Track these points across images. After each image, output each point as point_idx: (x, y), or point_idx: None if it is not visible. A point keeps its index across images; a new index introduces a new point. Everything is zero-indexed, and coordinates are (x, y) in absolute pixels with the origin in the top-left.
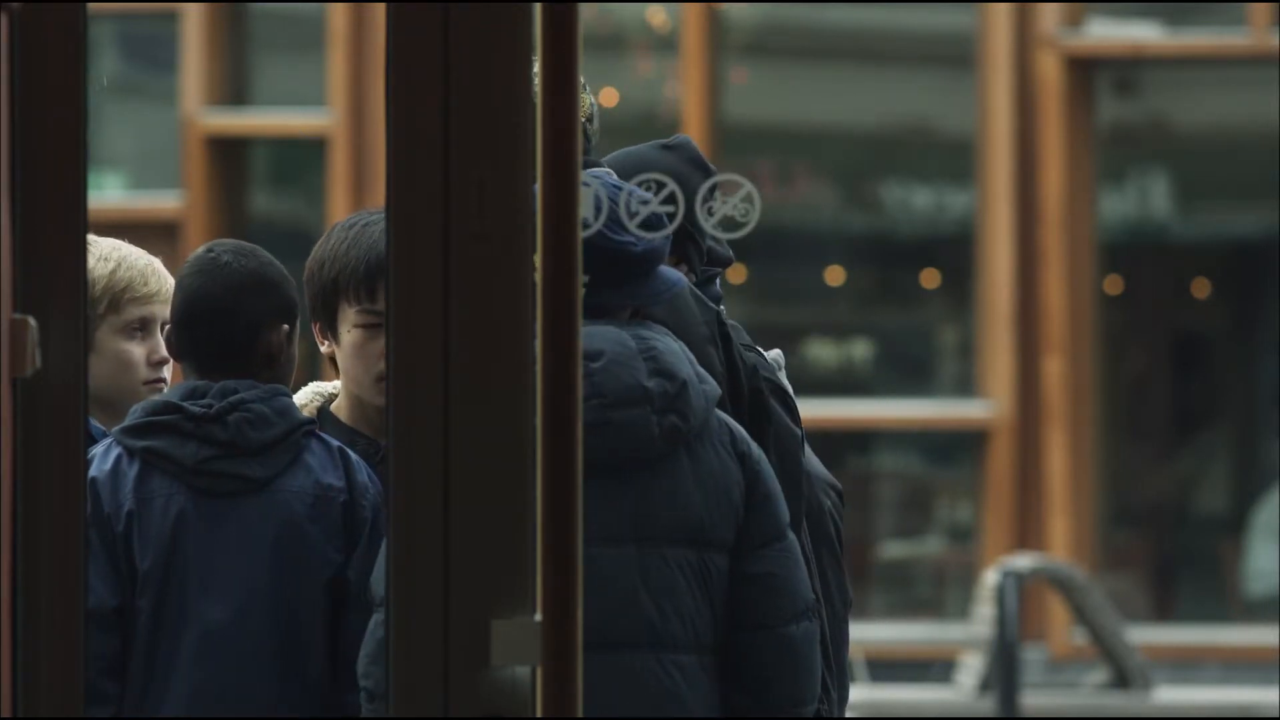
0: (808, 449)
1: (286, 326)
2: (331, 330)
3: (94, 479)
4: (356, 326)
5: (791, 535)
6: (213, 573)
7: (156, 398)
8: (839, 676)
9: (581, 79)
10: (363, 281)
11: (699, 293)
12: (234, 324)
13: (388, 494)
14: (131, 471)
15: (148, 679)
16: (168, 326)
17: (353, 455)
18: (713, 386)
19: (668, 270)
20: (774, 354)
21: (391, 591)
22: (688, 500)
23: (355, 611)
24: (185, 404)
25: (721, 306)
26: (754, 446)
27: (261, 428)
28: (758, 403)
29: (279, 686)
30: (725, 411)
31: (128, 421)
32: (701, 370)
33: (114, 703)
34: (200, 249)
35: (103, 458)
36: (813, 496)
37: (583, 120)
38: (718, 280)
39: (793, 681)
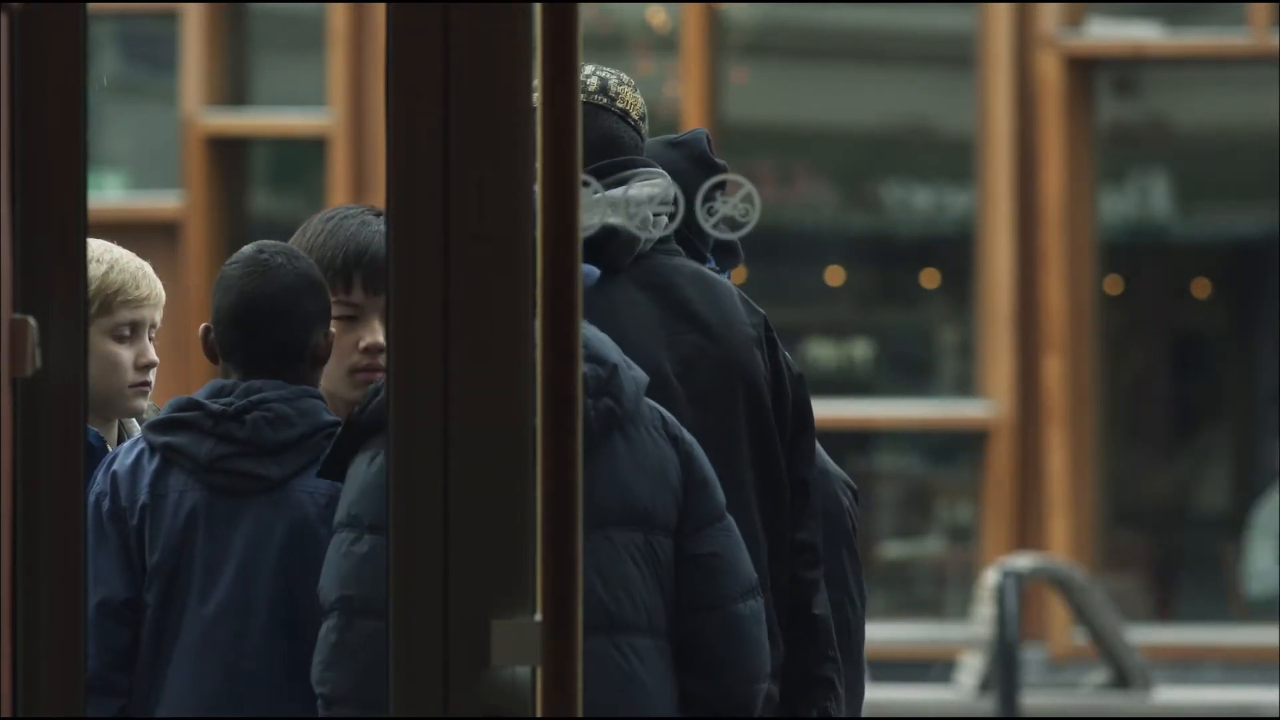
0: (821, 449)
1: (328, 329)
2: None
3: (115, 473)
4: (332, 317)
5: (729, 516)
6: (219, 570)
7: (182, 395)
8: (857, 672)
9: (631, 79)
10: (339, 272)
11: (747, 296)
12: (289, 327)
13: (388, 494)
14: (151, 467)
15: (152, 674)
16: (208, 326)
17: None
18: (640, 373)
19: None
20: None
21: (392, 591)
22: (628, 484)
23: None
24: (207, 401)
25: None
26: (685, 431)
27: (281, 427)
28: (801, 409)
29: (284, 685)
30: (660, 401)
31: (154, 417)
32: (627, 358)
33: (123, 695)
34: (248, 249)
35: (126, 452)
36: (832, 495)
37: (636, 119)
38: (727, 276)
39: (744, 659)
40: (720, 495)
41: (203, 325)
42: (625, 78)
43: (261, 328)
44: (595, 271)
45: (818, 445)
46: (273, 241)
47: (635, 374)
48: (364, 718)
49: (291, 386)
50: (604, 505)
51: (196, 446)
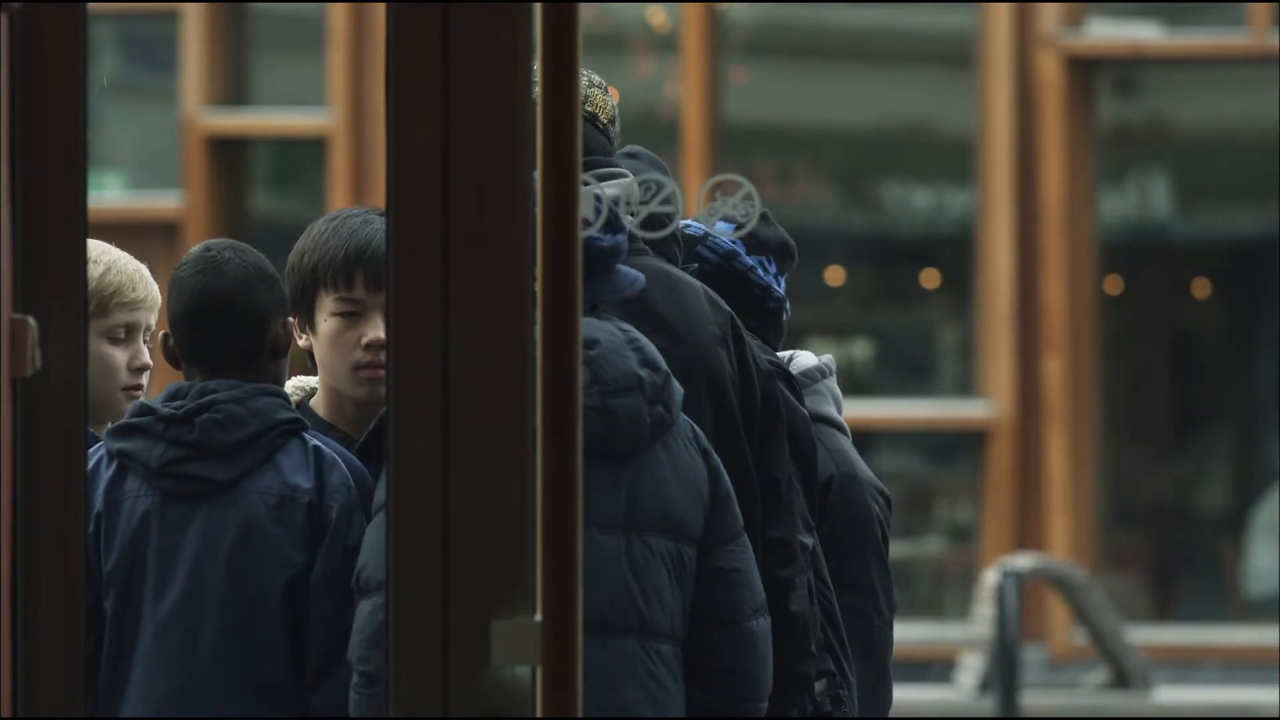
0: (855, 453)
1: (288, 319)
2: (310, 322)
3: None
4: (334, 315)
5: (745, 533)
6: (171, 574)
7: (140, 400)
8: (884, 679)
9: (602, 81)
10: (341, 269)
11: (713, 294)
12: (244, 319)
13: (389, 494)
14: (107, 474)
15: (113, 680)
16: (165, 333)
17: (329, 455)
18: (678, 386)
19: (627, 270)
20: (825, 359)
21: (391, 591)
22: (668, 491)
23: (316, 612)
24: (159, 406)
25: (788, 305)
26: (711, 446)
27: (231, 428)
28: (771, 407)
29: (234, 688)
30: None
31: (116, 424)
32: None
33: (86, 701)
34: (195, 249)
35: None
36: (860, 500)
37: (605, 122)
38: (782, 281)
39: (753, 675)
40: (739, 511)
41: (161, 333)
42: (596, 79)
43: (216, 323)
44: (641, 279)
45: (850, 448)
46: (220, 239)
47: (677, 386)
48: None
49: (247, 385)
50: (645, 511)
51: (148, 451)
